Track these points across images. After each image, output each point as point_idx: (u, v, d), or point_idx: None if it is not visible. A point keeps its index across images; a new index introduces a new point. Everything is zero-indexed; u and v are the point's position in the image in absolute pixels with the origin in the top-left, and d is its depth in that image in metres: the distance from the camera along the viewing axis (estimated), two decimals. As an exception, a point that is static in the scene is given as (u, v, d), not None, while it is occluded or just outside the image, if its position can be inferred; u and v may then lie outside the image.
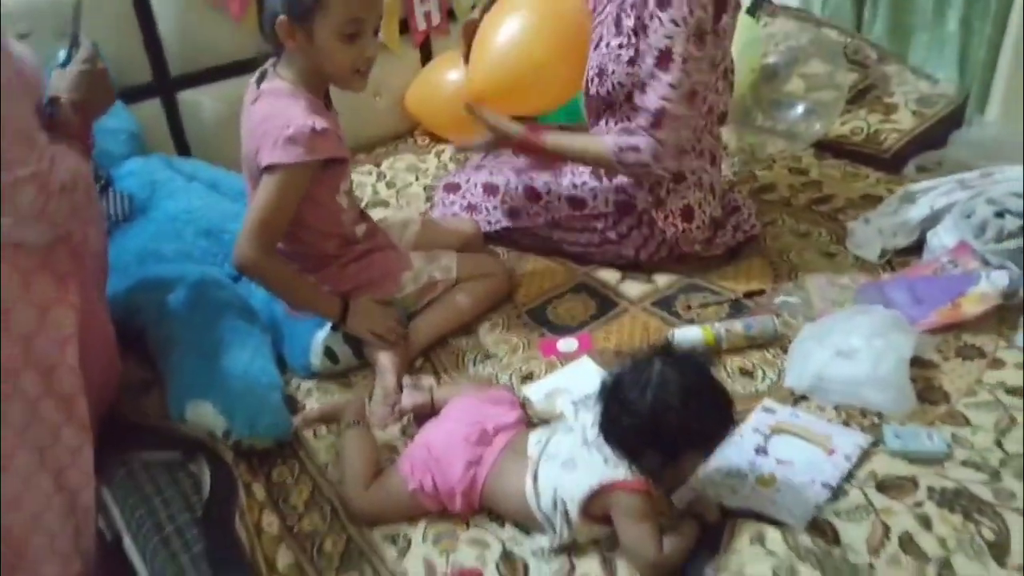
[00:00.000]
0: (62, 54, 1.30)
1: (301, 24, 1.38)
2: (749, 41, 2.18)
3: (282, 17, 1.38)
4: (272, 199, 1.41)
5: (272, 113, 1.41)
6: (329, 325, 1.52)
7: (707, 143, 1.74)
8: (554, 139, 1.70)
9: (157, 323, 1.51)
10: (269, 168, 1.40)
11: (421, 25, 2.40)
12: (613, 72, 1.64)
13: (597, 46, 1.69)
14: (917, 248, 1.73)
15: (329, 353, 1.52)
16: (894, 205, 1.80)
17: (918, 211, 1.75)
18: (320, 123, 1.40)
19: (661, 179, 1.69)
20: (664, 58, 1.54)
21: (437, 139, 2.42)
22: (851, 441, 1.28)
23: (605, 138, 1.63)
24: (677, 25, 1.51)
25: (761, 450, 1.27)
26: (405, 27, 2.39)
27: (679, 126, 1.58)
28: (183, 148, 2.14)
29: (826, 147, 2.21)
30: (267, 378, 1.44)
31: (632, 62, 1.60)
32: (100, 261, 1.38)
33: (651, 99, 1.57)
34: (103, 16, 1.87)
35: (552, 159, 1.82)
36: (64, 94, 1.23)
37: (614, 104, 1.68)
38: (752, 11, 2.53)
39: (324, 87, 1.50)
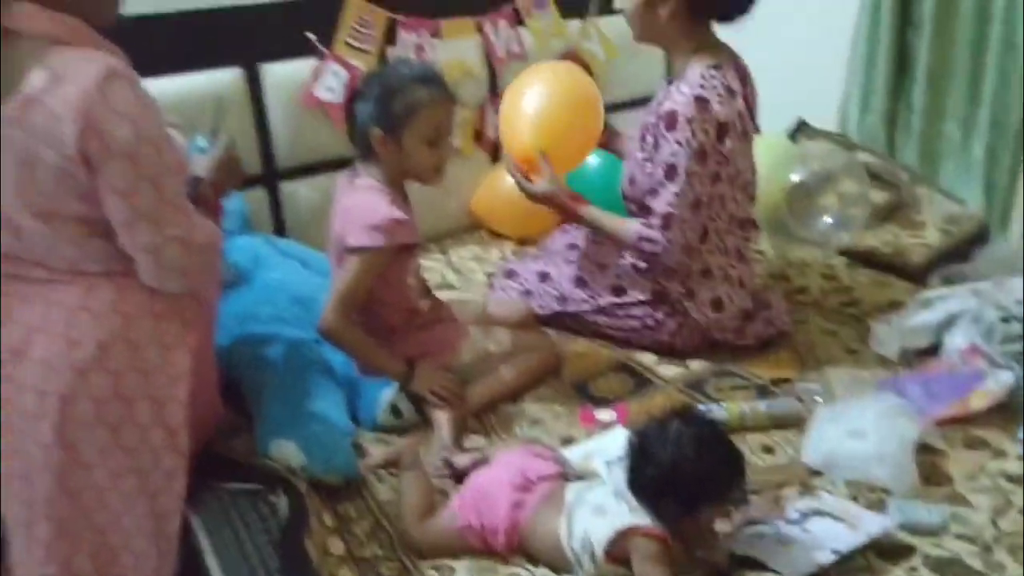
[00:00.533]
0: (200, 140, 1.60)
1: (392, 135, 1.67)
2: (781, 160, 2.42)
3: (377, 131, 1.66)
4: (354, 276, 1.66)
5: (361, 203, 1.69)
6: (395, 385, 1.74)
7: (731, 243, 1.96)
8: (589, 211, 1.96)
9: (252, 374, 1.75)
10: (354, 250, 1.66)
11: (492, 135, 2.70)
12: (640, 180, 1.91)
13: (629, 157, 1.96)
14: (934, 349, 1.88)
15: (394, 409, 1.73)
16: (914, 309, 1.96)
17: (935, 315, 1.91)
18: (400, 214, 1.67)
19: (679, 270, 1.90)
20: (670, 171, 1.80)
21: (500, 236, 2.69)
22: (878, 522, 1.37)
23: (632, 224, 1.89)
24: (680, 145, 1.77)
25: (793, 521, 1.38)
26: (479, 136, 2.69)
27: (685, 228, 1.83)
28: (281, 230, 2.43)
29: (858, 257, 2.39)
30: (342, 425, 1.66)
31: (652, 173, 1.87)
32: (213, 314, 1.63)
33: (660, 204, 1.83)
34: (226, 116, 2.19)
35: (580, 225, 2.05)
36: (205, 174, 1.52)
37: (644, 206, 1.92)
38: (793, 135, 2.78)
39: (403, 183, 1.78)
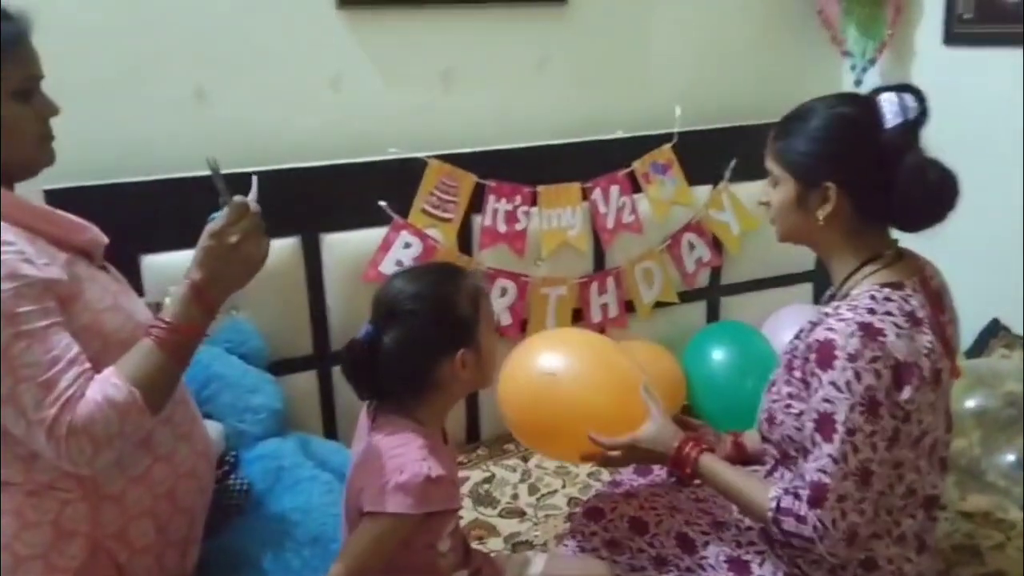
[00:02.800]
0: (219, 212, 1.23)
1: (473, 347, 1.30)
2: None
3: (461, 352, 1.28)
4: (368, 548, 1.25)
5: (387, 450, 1.28)
6: None
7: (908, 527, 1.39)
8: (710, 464, 1.46)
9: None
10: (371, 514, 1.24)
11: (596, 317, 2.30)
12: (782, 422, 1.39)
13: (770, 388, 1.46)
14: None
15: None
16: None
17: None
18: (436, 469, 1.25)
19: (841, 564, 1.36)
20: (826, 424, 1.28)
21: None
22: None
23: (771, 487, 1.36)
24: (839, 390, 1.26)
25: None
26: (578, 316, 2.29)
27: (848, 508, 1.28)
28: (331, 422, 2.12)
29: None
30: None
31: (800, 416, 1.36)
32: (149, 556, 1.28)
33: (810, 469, 1.30)
34: (276, 290, 1.93)
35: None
36: (191, 269, 1.19)
37: (787, 455, 1.42)
38: (985, 340, 2.20)
39: (445, 416, 1.38)
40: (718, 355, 2.27)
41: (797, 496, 1.31)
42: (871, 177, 1.35)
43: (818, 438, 1.30)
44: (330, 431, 2.10)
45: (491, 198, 2.13)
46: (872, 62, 2.48)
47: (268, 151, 1.96)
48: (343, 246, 2.03)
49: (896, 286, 1.35)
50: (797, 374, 1.38)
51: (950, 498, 1.89)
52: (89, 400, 1.12)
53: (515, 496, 2.02)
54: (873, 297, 1.33)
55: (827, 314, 1.36)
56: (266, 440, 1.81)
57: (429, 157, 2.07)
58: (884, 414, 1.27)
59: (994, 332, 2.24)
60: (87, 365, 1.15)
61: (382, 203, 2.03)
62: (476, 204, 2.13)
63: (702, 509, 1.63)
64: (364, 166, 2.03)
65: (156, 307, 1.34)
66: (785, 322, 2.39)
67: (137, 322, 1.27)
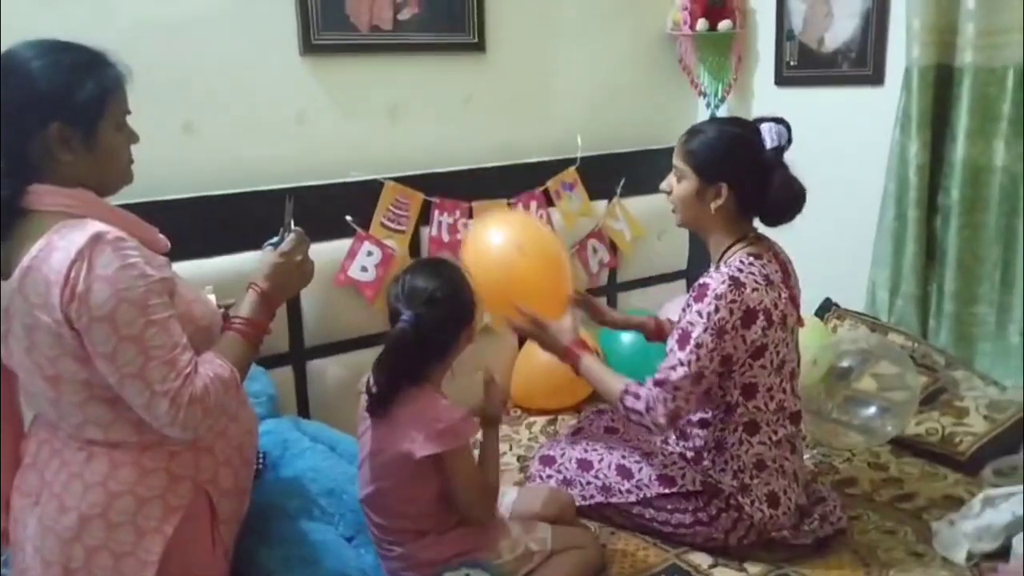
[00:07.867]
0: (275, 238, 1.55)
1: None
2: (824, 345, 2.38)
3: (471, 324, 1.67)
4: (467, 468, 1.62)
5: (421, 410, 1.59)
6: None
7: (783, 434, 1.86)
8: (588, 365, 1.91)
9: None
10: (451, 452, 1.57)
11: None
12: None
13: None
14: (1004, 552, 1.76)
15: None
16: (977, 509, 1.86)
17: (1001, 516, 1.80)
18: (460, 412, 1.60)
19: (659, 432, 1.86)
20: (683, 339, 1.75)
21: (528, 411, 2.61)
22: None
23: (624, 380, 1.83)
24: (701, 316, 1.73)
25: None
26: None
27: (679, 396, 1.75)
28: (305, 409, 2.36)
29: (903, 445, 2.30)
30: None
31: None
32: (230, 498, 1.50)
33: (663, 367, 1.77)
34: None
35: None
36: (258, 280, 1.48)
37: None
38: (821, 316, 2.77)
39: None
40: (625, 336, 2.72)
41: (640, 384, 1.79)
42: (752, 183, 1.79)
43: (675, 347, 1.76)
44: (304, 415, 2.32)
45: (436, 213, 2.47)
46: (722, 100, 3.03)
47: (246, 176, 2.23)
48: (315, 255, 2.23)
49: (757, 256, 1.82)
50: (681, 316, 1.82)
51: (810, 432, 2.41)
52: (203, 375, 1.32)
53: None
54: (742, 262, 1.80)
55: (709, 271, 1.83)
56: (267, 420, 2.04)
57: (386, 179, 2.39)
58: (727, 340, 1.73)
59: (828, 308, 2.80)
60: (191, 349, 1.34)
61: (348, 218, 2.35)
62: (424, 218, 2.46)
63: (632, 446, 2.06)
64: (332, 187, 2.32)
65: (226, 309, 1.59)
66: (671, 311, 2.88)
67: (213, 309, 1.50)
